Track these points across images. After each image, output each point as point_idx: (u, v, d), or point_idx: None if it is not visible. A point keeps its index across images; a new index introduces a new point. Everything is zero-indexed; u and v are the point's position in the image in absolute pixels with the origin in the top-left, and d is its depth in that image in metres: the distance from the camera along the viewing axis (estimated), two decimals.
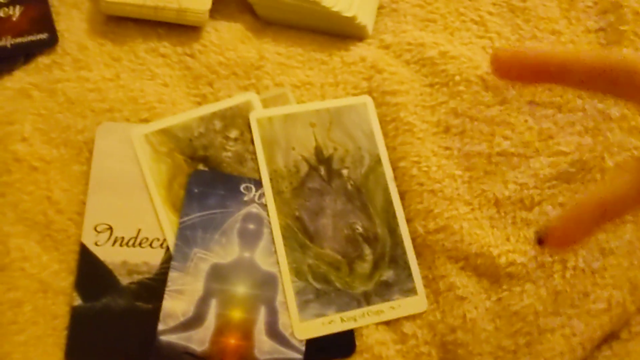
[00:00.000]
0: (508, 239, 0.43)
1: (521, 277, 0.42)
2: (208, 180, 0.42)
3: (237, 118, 0.44)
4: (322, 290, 0.41)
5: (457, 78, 0.46)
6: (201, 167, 0.43)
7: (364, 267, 0.42)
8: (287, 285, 0.41)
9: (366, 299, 0.41)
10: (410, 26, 0.49)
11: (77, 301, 0.39)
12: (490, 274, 0.42)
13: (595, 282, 0.42)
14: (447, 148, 0.45)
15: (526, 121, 0.45)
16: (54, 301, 0.39)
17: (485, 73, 0.46)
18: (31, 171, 0.41)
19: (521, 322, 0.41)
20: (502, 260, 0.42)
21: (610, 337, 0.41)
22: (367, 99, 0.45)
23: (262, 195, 0.42)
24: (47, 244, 0.40)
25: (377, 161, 0.44)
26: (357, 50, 0.47)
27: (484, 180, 0.44)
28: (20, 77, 0.43)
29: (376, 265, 0.42)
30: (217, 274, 0.40)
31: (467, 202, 0.44)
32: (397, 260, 0.42)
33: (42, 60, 0.44)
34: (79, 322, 0.39)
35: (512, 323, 0.42)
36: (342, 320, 0.40)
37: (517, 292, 0.42)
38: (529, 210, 0.44)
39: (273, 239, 0.41)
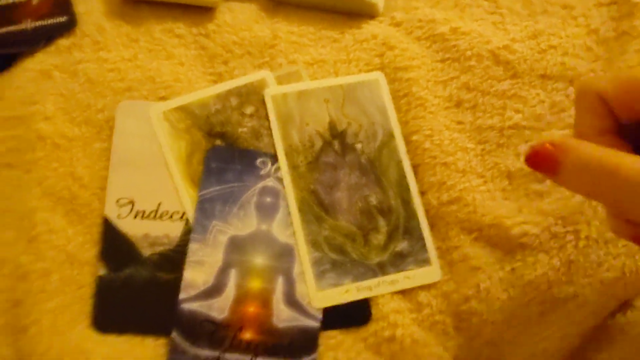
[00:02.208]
0: (521, 211, 0.44)
1: (534, 248, 0.43)
2: (225, 155, 0.43)
3: (252, 95, 0.45)
4: (338, 261, 0.42)
5: (469, 53, 0.47)
6: (218, 142, 0.44)
7: (379, 238, 0.43)
8: (304, 256, 0.42)
9: (381, 269, 0.42)
10: (421, 3, 0.49)
11: (102, 271, 0.41)
12: (504, 244, 0.43)
13: (609, 251, 0.42)
14: (459, 122, 0.46)
15: (538, 94, 0.46)
16: (80, 271, 0.40)
17: (496, 48, 0.47)
18: (54, 149, 0.42)
19: (534, 292, 0.42)
20: (515, 231, 0.43)
21: (624, 306, 0.42)
22: (379, 75, 0.46)
23: (277, 169, 0.43)
24: (72, 217, 0.41)
25: (390, 135, 0.45)
26: (369, 28, 0.48)
27: (496, 153, 0.45)
28: (42, 59, 0.45)
29: (390, 237, 0.43)
30: (236, 246, 0.42)
31: (480, 174, 0.44)
32: (411, 231, 0.43)
33: (62, 42, 0.46)
34: (103, 292, 0.40)
35: (526, 292, 0.42)
36: (357, 289, 0.41)
37: (530, 262, 0.43)
38: (541, 182, 0.44)
39: (289, 211, 0.43)
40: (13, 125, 0.42)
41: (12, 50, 0.44)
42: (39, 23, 0.45)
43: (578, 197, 0.44)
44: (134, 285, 0.40)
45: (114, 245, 0.41)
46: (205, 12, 0.48)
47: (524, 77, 0.46)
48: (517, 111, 0.45)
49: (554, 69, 0.46)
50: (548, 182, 0.45)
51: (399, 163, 0.44)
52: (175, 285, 0.40)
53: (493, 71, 0.46)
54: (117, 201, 0.42)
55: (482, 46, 0.46)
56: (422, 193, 0.44)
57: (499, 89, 0.46)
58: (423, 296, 0.42)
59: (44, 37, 0.45)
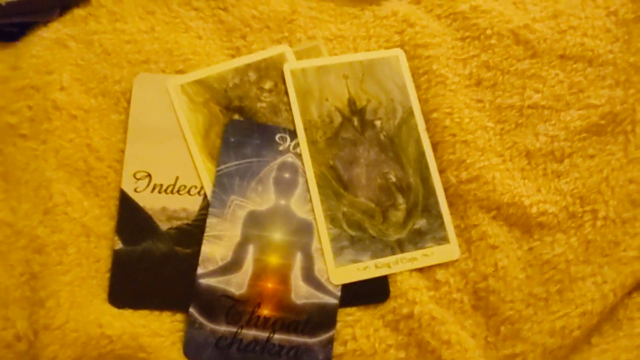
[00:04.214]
0: (539, 190, 0.44)
1: (552, 227, 0.43)
2: (244, 129, 0.43)
3: (271, 70, 0.44)
4: (356, 237, 0.42)
5: (489, 32, 0.46)
6: (236, 117, 0.43)
7: (398, 215, 0.42)
8: (323, 232, 0.41)
9: (400, 246, 0.42)
10: None
11: (119, 245, 0.40)
12: (522, 223, 0.43)
13: (626, 231, 0.42)
14: (479, 100, 0.45)
15: (557, 75, 0.46)
16: (97, 244, 0.40)
17: (516, 27, 0.46)
18: (71, 119, 0.42)
19: (552, 271, 0.42)
20: (534, 210, 0.43)
21: None
22: (399, 52, 0.46)
23: (296, 145, 0.43)
24: (88, 189, 0.41)
25: (410, 113, 0.44)
26: (389, 5, 0.47)
27: (516, 132, 0.45)
28: (57, 28, 0.44)
29: (409, 214, 0.43)
30: (254, 221, 0.41)
31: (499, 153, 0.44)
32: (430, 209, 0.43)
33: (78, 12, 0.45)
34: (120, 265, 0.40)
35: (544, 271, 0.42)
36: (376, 266, 0.41)
37: (548, 241, 0.43)
38: (559, 162, 0.44)
39: (308, 187, 0.42)
40: (29, 95, 0.42)
41: (26, 19, 0.43)
42: None
43: (596, 177, 0.44)
44: (151, 260, 0.40)
45: (131, 218, 0.41)
46: None
47: (544, 56, 0.46)
48: (537, 91, 0.45)
49: (573, 49, 0.46)
50: (567, 162, 0.44)
51: (418, 141, 0.44)
52: (193, 260, 0.40)
53: (513, 50, 0.46)
54: (134, 174, 0.41)
55: (503, 25, 0.46)
56: (441, 171, 0.44)
57: (518, 68, 0.45)
58: (441, 274, 0.42)
59: (59, 6, 0.44)
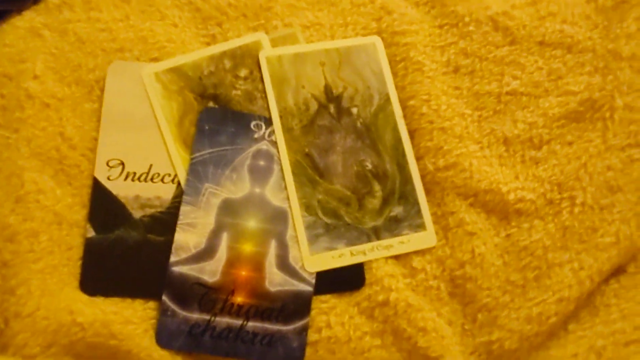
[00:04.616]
0: (517, 177, 0.43)
1: (530, 214, 0.43)
2: (219, 117, 0.43)
3: (247, 57, 0.44)
4: (331, 225, 0.41)
5: (467, 19, 0.46)
6: (211, 105, 0.43)
7: (374, 202, 0.42)
8: (297, 220, 0.41)
9: (376, 233, 0.41)
10: None
11: (91, 233, 0.40)
12: (499, 210, 0.43)
13: (604, 217, 0.42)
14: (456, 87, 0.45)
15: (536, 61, 0.45)
16: (69, 232, 0.39)
17: (495, 14, 0.46)
18: (44, 108, 0.41)
19: (530, 257, 0.42)
20: (511, 196, 0.42)
21: (617, 271, 0.42)
22: (376, 39, 0.45)
23: (272, 132, 0.43)
24: (61, 178, 0.40)
25: (387, 100, 0.44)
26: None
27: (494, 119, 0.44)
28: (31, 17, 0.44)
29: (386, 201, 0.42)
30: (229, 209, 0.41)
31: (477, 140, 0.44)
32: (407, 196, 0.43)
33: (52, 1, 0.44)
34: (92, 253, 0.39)
35: (521, 258, 0.42)
36: (351, 253, 0.41)
37: (525, 228, 0.42)
38: (537, 149, 0.44)
39: (283, 175, 0.42)
40: (1, 84, 0.41)
41: (0, 8, 0.43)
42: None
43: (574, 164, 0.44)
44: (124, 247, 0.40)
45: (104, 206, 0.40)
46: None
47: (523, 43, 0.46)
48: (515, 77, 0.45)
49: (552, 36, 0.46)
50: (545, 148, 0.44)
51: (394, 128, 0.44)
52: (166, 247, 0.39)
53: (492, 37, 0.45)
54: (107, 162, 0.41)
55: (481, 12, 0.46)
56: (418, 158, 0.43)
57: (497, 55, 0.45)
58: (417, 261, 0.42)
59: None
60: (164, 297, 0.39)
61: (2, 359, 0.35)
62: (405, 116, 0.44)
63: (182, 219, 0.40)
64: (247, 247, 0.40)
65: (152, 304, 0.39)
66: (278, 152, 0.42)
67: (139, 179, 0.41)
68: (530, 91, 0.45)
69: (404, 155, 0.43)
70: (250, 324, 0.39)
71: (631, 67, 0.44)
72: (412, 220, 0.42)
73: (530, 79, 0.45)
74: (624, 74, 0.44)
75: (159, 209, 0.40)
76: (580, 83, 0.45)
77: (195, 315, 0.39)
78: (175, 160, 0.41)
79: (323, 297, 0.40)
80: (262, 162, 0.42)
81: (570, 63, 0.45)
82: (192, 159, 0.41)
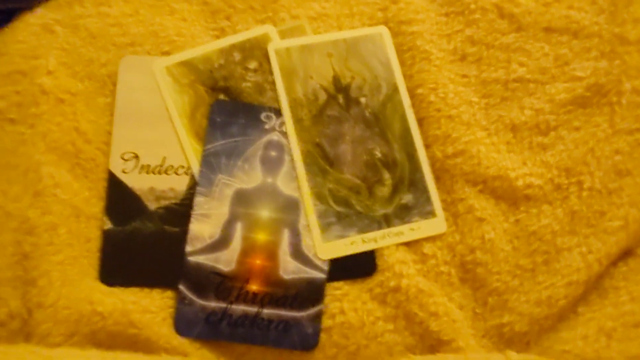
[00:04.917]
0: (525, 163, 0.44)
1: (538, 199, 0.43)
2: (230, 109, 0.43)
3: (256, 50, 0.45)
4: (343, 213, 0.42)
5: (472, 6, 0.46)
6: (222, 97, 0.44)
7: (384, 190, 0.43)
8: (309, 209, 0.42)
9: (386, 221, 0.42)
10: None
11: (108, 225, 0.41)
12: (508, 196, 0.43)
13: (612, 201, 0.42)
14: (464, 75, 0.45)
15: (542, 48, 0.46)
16: (87, 225, 0.40)
17: (500, 1, 0.46)
18: (58, 103, 0.42)
19: (538, 242, 0.42)
20: (520, 182, 0.43)
21: (626, 254, 0.42)
22: (383, 29, 0.46)
23: (282, 123, 0.43)
24: (77, 172, 0.41)
25: (395, 89, 0.45)
26: None
27: (501, 106, 0.45)
28: (43, 14, 0.44)
29: (395, 189, 0.43)
30: (242, 199, 0.42)
31: (484, 127, 0.44)
32: (416, 184, 0.43)
33: None
34: (110, 245, 0.40)
35: (530, 243, 0.42)
36: (363, 241, 0.42)
37: (534, 213, 0.43)
38: (544, 135, 0.44)
39: (294, 165, 0.43)
40: (16, 80, 0.42)
41: (12, 5, 0.44)
42: None
43: (581, 149, 0.44)
44: (141, 239, 0.41)
45: (120, 199, 0.41)
46: None
47: (529, 30, 0.46)
48: (522, 64, 0.45)
49: (558, 22, 0.46)
50: (552, 134, 0.44)
51: (403, 116, 0.44)
52: (181, 238, 0.40)
53: (497, 24, 0.46)
54: (122, 155, 0.42)
55: None
56: (427, 146, 0.44)
57: (503, 42, 0.45)
58: (428, 248, 0.42)
59: None
60: (181, 286, 0.40)
61: (28, 347, 0.36)
62: (413, 105, 0.44)
63: (197, 209, 0.41)
64: (261, 237, 0.41)
65: (169, 293, 0.40)
66: (289, 142, 0.43)
67: (153, 171, 0.41)
68: (537, 77, 0.45)
69: (412, 143, 0.44)
70: (266, 311, 0.40)
71: (639, 51, 0.45)
72: (422, 208, 0.43)
73: (537, 65, 0.45)
74: (632, 58, 0.44)
75: (173, 201, 0.41)
76: (586, 68, 0.45)
77: (212, 304, 0.40)
78: (188, 152, 0.42)
79: (336, 284, 0.41)
80: (273, 153, 0.43)
81: (576, 48, 0.46)
82: (204, 150, 0.42)
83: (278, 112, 0.43)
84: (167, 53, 0.44)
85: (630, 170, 0.43)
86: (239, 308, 0.40)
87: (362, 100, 0.44)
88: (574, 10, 0.46)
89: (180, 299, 0.39)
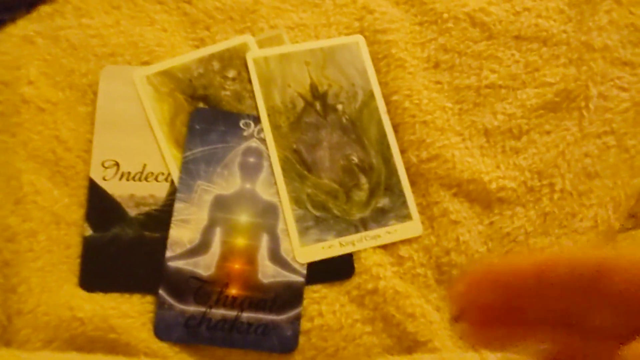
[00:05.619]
0: (498, 166, 0.45)
1: (512, 202, 0.44)
2: (209, 117, 0.44)
3: (235, 59, 0.46)
4: (321, 217, 0.43)
5: (445, 16, 0.48)
6: (201, 105, 0.44)
7: (361, 195, 0.44)
8: (288, 213, 0.43)
9: (363, 224, 0.43)
10: None
11: (88, 232, 0.41)
12: (482, 199, 0.44)
13: (582, 202, 0.44)
14: (437, 82, 0.47)
15: (513, 55, 0.47)
16: (67, 232, 0.41)
17: (472, 10, 0.48)
18: (39, 112, 0.43)
19: (512, 243, 0.43)
20: (493, 185, 0.44)
21: None
22: (359, 38, 0.47)
23: (260, 130, 0.44)
24: (57, 179, 0.42)
25: (370, 96, 0.46)
26: None
27: (474, 111, 0.46)
28: (24, 25, 0.45)
29: (372, 193, 0.44)
30: (221, 204, 0.42)
31: (458, 132, 0.46)
32: (392, 188, 0.44)
33: (44, 9, 0.46)
34: (90, 251, 0.41)
35: (504, 244, 0.44)
36: (340, 244, 0.42)
37: (507, 215, 0.44)
38: (517, 139, 0.46)
39: (273, 170, 0.43)
40: None
41: None
42: None
43: (553, 152, 0.46)
44: (121, 245, 0.41)
45: (100, 206, 0.42)
46: None
47: (499, 38, 0.47)
48: (493, 71, 0.47)
49: (528, 30, 0.48)
50: (524, 138, 0.46)
51: (379, 123, 0.45)
52: (161, 243, 0.41)
53: (469, 33, 0.47)
54: (103, 163, 0.42)
55: (459, 9, 0.47)
56: (403, 151, 0.45)
57: (475, 49, 0.47)
58: (404, 250, 0.43)
59: (25, 4, 0.45)
60: (160, 291, 0.40)
61: (9, 352, 0.36)
62: (388, 111, 0.46)
63: (176, 215, 0.42)
64: (240, 241, 0.42)
65: (149, 298, 0.40)
66: (267, 148, 0.44)
67: (133, 178, 0.42)
68: (508, 84, 0.46)
69: (388, 148, 0.45)
70: (245, 315, 0.40)
71: (604, 58, 0.46)
72: (398, 211, 0.43)
73: (508, 72, 0.47)
74: (597, 64, 0.46)
75: (153, 207, 0.42)
76: (555, 74, 0.46)
77: (192, 308, 0.40)
78: (168, 159, 0.43)
79: (314, 287, 0.41)
80: (252, 159, 0.43)
81: (545, 55, 0.47)
82: (184, 157, 0.43)
83: (257, 120, 0.44)
84: (147, 63, 0.45)
85: (599, 172, 0.44)
86: (219, 312, 0.40)
87: (339, 107, 0.45)
88: (542, 19, 0.48)
89: (160, 304, 0.40)
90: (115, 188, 0.42)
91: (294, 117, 0.45)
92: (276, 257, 0.42)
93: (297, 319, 0.41)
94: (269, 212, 0.43)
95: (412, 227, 0.43)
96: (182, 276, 0.41)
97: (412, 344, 0.41)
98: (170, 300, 0.40)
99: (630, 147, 0.44)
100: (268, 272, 0.41)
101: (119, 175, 0.42)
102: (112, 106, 0.43)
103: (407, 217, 0.44)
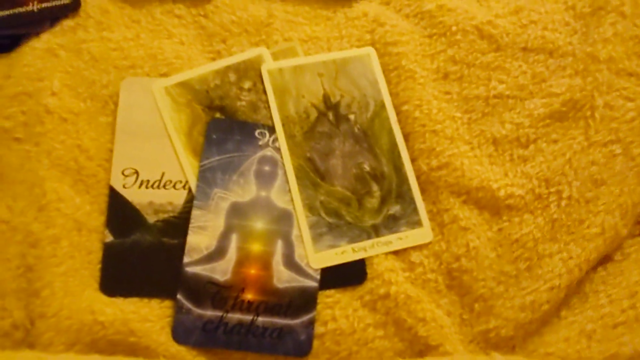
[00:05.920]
0: (507, 174, 0.46)
1: (520, 208, 0.45)
2: (225, 127, 0.45)
3: (250, 70, 0.47)
4: (334, 224, 0.44)
5: (454, 28, 0.49)
6: (218, 115, 0.46)
7: (372, 202, 0.45)
8: (302, 220, 0.44)
9: (375, 231, 0.44)
10: None
11: (109, 238, 0.42)
12: (491, 206, 0.45)
13: (589, 209, 0.45)
14: (446, 92, 0.48)
15: (520, 66, 0.48)
16: (88, 238, 0.42)
17: (480, 23, 0.49)
18: (62, 122, 0.44)
19: (521, 249, 0.44)
20: (502, 193, 0.45)
21: (604, 259, 0.44)
22: (370, 50, 0.48)
23: (275, 139, 0.45)
24: (79, 187, 0.43)
25: (382, 106, 0.47)
26: (360, 7, 0.50)
27: (482, 121, 0.47)
28: (48, 39, 0.47)
29: (384, 201, 0.45)
30: (237, 212, 0.43)
31: (467, 141, 0.47)
32: (403, 195, 0.45)
33: (67, 23, 0.47)
34: (111, 256, 0.42)
35: (513, 250, 0.44)
36: (353, 250, 0.43)
37: (516, 222, 0.45)
38: (525, 147, 0.47)
39: (287, 178, 0.45)
40: (22, 101, 0.44)
41: (19, 31, 0.46)
42: (44, 5, 0.47)
43: (560, 160, 0.47)
44: (140, 251, 0.42)
45: (120, 213, 0.43)
46: None
47: (507, 50, 0.49)
48: (501, 82, 0.48)
49: (534, 42, 0.49)
50: (532, 147, 0.47)
51: (390, 132, 0.47)
52: (179, 249, 0.42)
53: (478, 45, 0.49)
54: (123, 171, 0.44)
55: (467, 22, 0.49)
56: (413, 159, 0.46)
57: (483, 61, 0.48)
58: (415, 256, 0.44)
59: (49, 18, 0.47)
60: (178, 296, 0.41)
61: (34, 354, 0.37)
62: (399, 121, 0.47)
63: (194, 222, 0.43)
64: (256, 247, 0.43)
65: (167, 303, 0.41)
66: (282, 157, 0.45)
67: (152, 186, 0.43)
68: (516, 94, 0.48)
69: (399, 157, 0.46)
70: (260, 319, 0.41)
71: (609, 69, 0.47)
72: (409, 218, 0.45)
73: (516, 82, 0.48)
74: (602, 75, 0.47)
75: (171, 214, 0.43)
76: (562, 85, 0.48)
77: (209, 312, 0.41)
78: (186, 167, 0.44)
79: (328, 292, 0.42)
80: (267, 167, 0.45)
81: (552, 67, 0.48)
82: (201, 166, 0.44)
83: (271, 129, 0.46)
84: (165, 75, 0.46)
85: (605, 180, 0.45)
86: (235, 316, 0.41)
87: (351, 117, 0.47)
88: (549, 31, 0.49)
89: (178, 308, 0.41)
90: (135, 195, 0.43)
91: (307, 127, 0.46)
92: (291, 262, 0.43)
93: (311, 323, 0.42)
94: (284, 218, 0.44)
95: (423, 234, 0.44)
96: (200, 281, 0.42)
97: (424, 348, 0.42)
98: (188, 304, 0.41)
99: (636, 155, 0.45)
100: (283, 278, 0.42)
101: (138, 183, 0.43)
102: (131, 116, 0.45)
103: (418, 223, 0.45)
